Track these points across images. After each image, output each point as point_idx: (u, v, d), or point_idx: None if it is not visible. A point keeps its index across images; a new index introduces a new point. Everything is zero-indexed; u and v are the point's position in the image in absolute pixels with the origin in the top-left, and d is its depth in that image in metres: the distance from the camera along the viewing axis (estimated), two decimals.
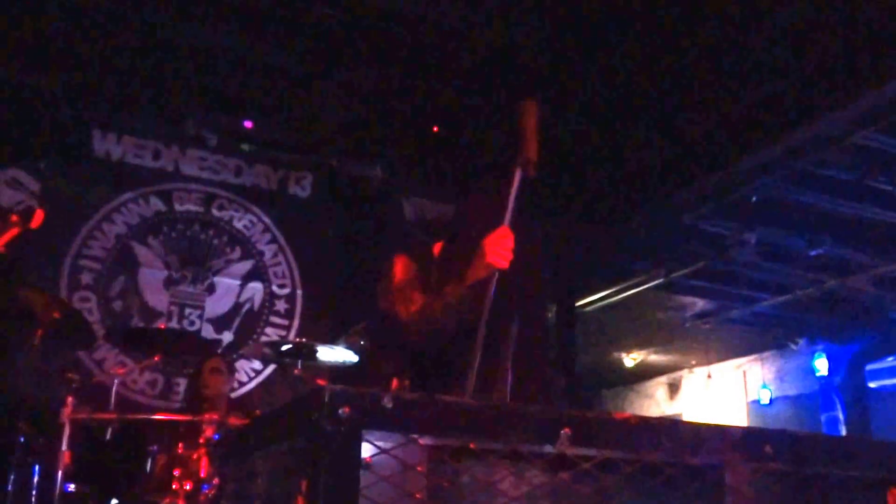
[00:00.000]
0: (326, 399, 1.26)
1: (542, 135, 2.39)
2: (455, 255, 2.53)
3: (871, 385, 10.25)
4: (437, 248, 2.73)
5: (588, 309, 9.25)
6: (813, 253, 7.43)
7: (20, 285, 4.42)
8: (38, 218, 2.88)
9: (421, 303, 2.52)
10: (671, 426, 1.43)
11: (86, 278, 5.90)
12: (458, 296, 2.42)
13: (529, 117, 2.42)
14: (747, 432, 1.48)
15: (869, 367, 10.18)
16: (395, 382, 2.58)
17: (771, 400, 11.29)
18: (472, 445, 1.33)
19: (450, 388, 2.32)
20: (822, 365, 10.29)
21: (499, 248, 2.35)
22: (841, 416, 10.08)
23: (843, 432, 9.79)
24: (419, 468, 1.31)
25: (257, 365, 6.16)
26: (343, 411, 1.25)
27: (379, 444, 1.28)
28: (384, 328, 2.76)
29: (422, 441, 1.31)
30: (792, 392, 11.12)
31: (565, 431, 1.34)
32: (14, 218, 2.81)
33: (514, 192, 2.38)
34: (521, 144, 2.39)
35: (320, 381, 4.75)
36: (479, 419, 1.34)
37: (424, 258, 2.69)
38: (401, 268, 2.66)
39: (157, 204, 6.26)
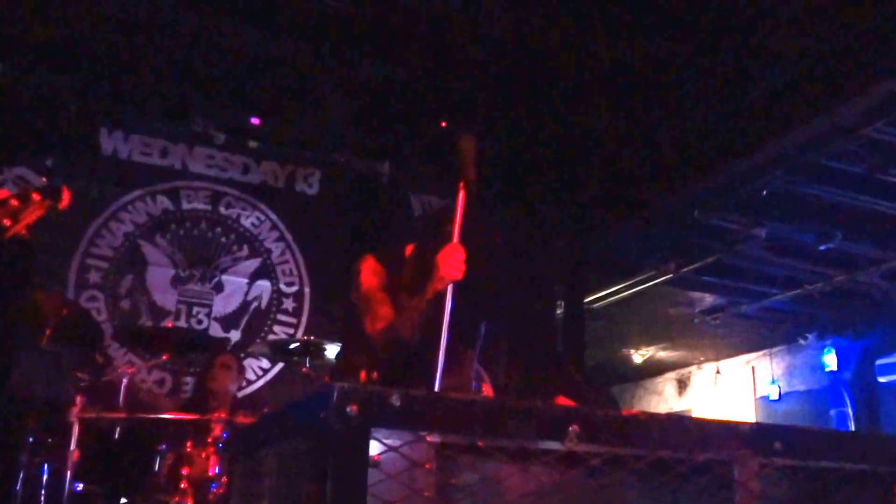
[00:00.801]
0: (335, 397, 1.26)
1: (478, 161, 2.73)
2: (417, 269, 2.78)
3: (881, 380, 10.20)
4: (408, 249, 2.96)
5: (597, 305, 9.23)
6: (823, 247, 7.39)
7: (33, 289, 4.43)
8: (66, 197, 2.81)
9: (385, 321, 2.75)
10: (679, 422, 1.42)
11: (94, 277, 5.91)
12: (421, 310, 2.66)
13: (467, 148, 2.74)
14: (756, 428, 1.48)
15: (879, 362, 10.13)
16: (363, 375, 2.83)
17: (780, 395, 11.24)
18: (479, 443, 1.33)
19: (415, 383, 2.52)
20: (831, 360, 10.24)
21: (451, 262, 2.60)
22: (850, 412, 10.04)
23: (853, 428, 9.75)
24: (427, 466, 1.31)
25: (265, 363, 6.17)
26: (351, 409, 1.26)
27: (387, 441, 1.28)
28: (353, 324, 2.99)
29: (430, 439, 1.31)
30: (801, 387, 11.08)
31: (573, 428, 1.34)
32: (37, 196, 2.72)
33: (460, 210, 2.66)
34: (462, 170, 2.70)
35: (328, 380, 4.76)
36: (486, 416, 1.34)
37: (393, 258, 2.92)
38: (367, 273, 2.88)
39: (164, 202, 6.27)
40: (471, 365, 2.87)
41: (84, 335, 4.58)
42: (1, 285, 4.90)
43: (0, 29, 5.38)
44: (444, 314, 2.54)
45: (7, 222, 2.66)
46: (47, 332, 4.04)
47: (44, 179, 2.72)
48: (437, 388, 2.45)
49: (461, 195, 2.68)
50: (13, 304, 4.81)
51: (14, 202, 2.67)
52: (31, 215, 2.71)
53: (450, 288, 2.58)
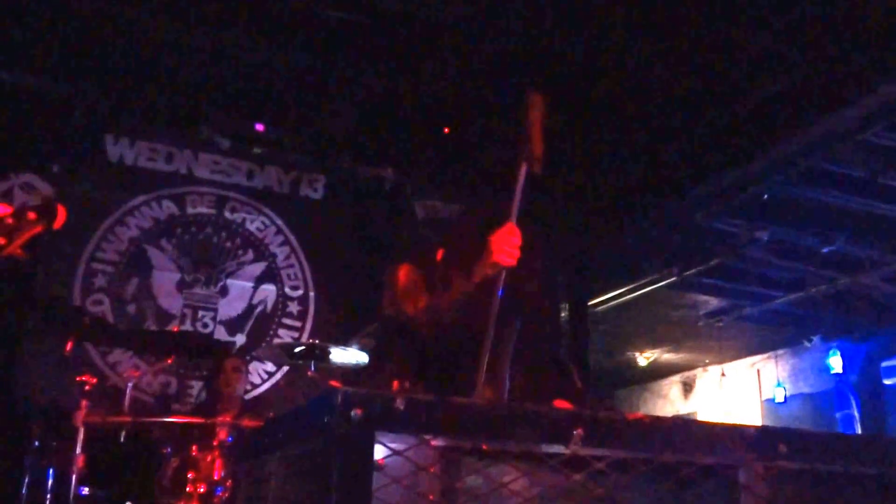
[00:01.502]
0: (339, 401, 1.26)
1: (547, 130, 2.33)
2: (462, 254, 2.50)
3: (887, 382, 10.17)
4: (439, 253, 2.73)
5: (601, 308, 9.23)
6: (825, 250, 7.39)
7: (54, 298, 4.44)
8: (61, 216, 2.76)
9: (428, 300, 2.53)
10: (685, 426, 1.42)
11: (99, 281, 5.93)
12: (466, 293, 2.40)
13: (535, 111, 2.35)
14: (762, 431, 1.47)
15: (884, 364, 10.11)
16: (395, 384, 2.58)
17: (785, 398, 11.22)
18: (484, 447, 1.33)
19: (455, 389, 2.31)
20: (836, 362, 10.22)
21: (505, 246, 2.31)
22: (856, 414, 10.02)
23: (859, 430, 9.73)
24: (432, 469, 1.31)
25: (270, 367, 6.18)
26: (355, 413, 1.26)
27: (392, 445, 1.29)
28: (386, 331, 2.82)
29: (434, 442, 1.31)
30: (806, 390, 11.05)
31: (578, 432, 1.34)
32: (32, 216, 2.68)
33: (520, 188, 2.34)
34: (526, 139, 2.33)
35: (333, 383, 4.76)
36: (491, 420, 1.34)
37: (427, 263, 2.69)
38: (404, 275, 2.66)
39: (170, 207, 6.29)
40: (503, 377, 2.60)
41: (102, 341, 4.60)
42: (2, 299, 4.92)
43: (7, 36, 5.40)
44: (494, 304, 2.25)
45: (2, 241, 2.57)
46: (70, 340, 4.05)
47: (46, 193, 2.66)
48: (478, 386, 2.23)
49: (522, 171, 2.33)
50: (37, 313, 4.83)
51: (9, 221, 2.58)
52: (26, 234, 2.63)
53: (502, 276, 2.29)
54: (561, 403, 3.82)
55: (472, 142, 2.87)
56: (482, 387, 2.26)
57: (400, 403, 1.29)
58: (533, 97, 2.36)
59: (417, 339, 2.60)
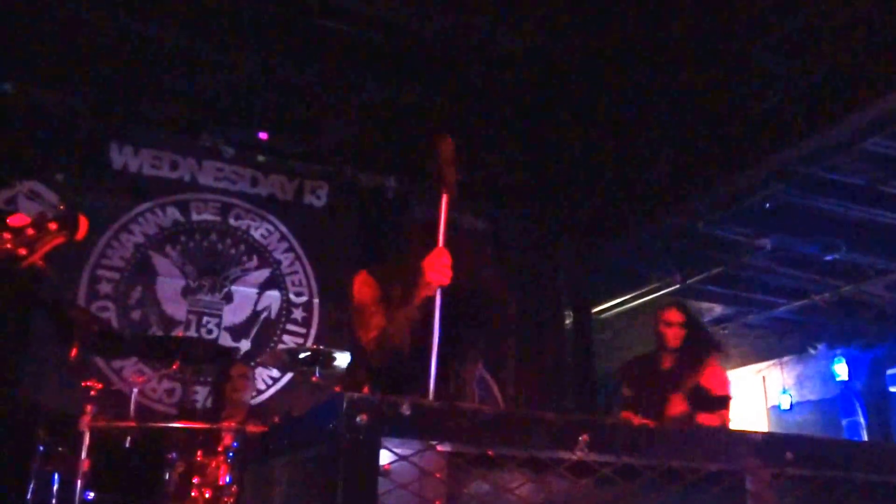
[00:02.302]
0: (345, 407, 1.26)
1: (458, 163, 2.65)
2: (406, 280, 2.72)
3: (892, 389, 10.15)
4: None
5: (605, 315, 9.22)
6: (828, 258, 7.39)
7: (63, 304, 4.45)
8: (83, 227, 2.74)
9: (378, 330, 2.73)
10: (691, 432, 1.42)
11: (104, 288, 5.94)
12: (410, 317, 2.62)
13: (445, 150, 2.66)
14: (768, 438, 1.47)
15: (889, 371, 10.08)
16: (365, 389, 2.76)
17: (791, 405, 11.19)
18: (490, 452, 1.33)
19: (408, 393, 2.44)
20: (841, 370, 10.20)
21: (437, 267, 2.55)
22: (862, 421, 9.99)
23: (865, 437, 9.70)
24: (438, 475, 1.31)
25: (275, 373, 6.18)
26: (361, 419, 1.26)
27: (397, 451, 1.29)
28: (354, 339, 2.94)
29: (440, 448, 1.31)
30: (812, 397, 11.02)
31: (584, 438, 1.34)
32: (53, 226, 2.66)
33: (444, 214, 2.60)
34: (441, 173, 2.63)
35: (338, 389, 4.76)
36: (497, 426, 1.34)
37: (389, 274, 2.87)
38: (359, 286, 2.88)
39: (174, 214, 6.30)
40: (471, 373, 2.83)
41: (108, 348, 4.61)
42: (9, 304, 4.92)
43: (13, 46, 5.44)
44: (434, 321, 2.49)
45: (23, 251, 2.59)
46: (76, 346, 4.05)
47: (61, 207, 2.64)
48: (430, 398, 2.40)
49: (444, 199, 2.61)
50: (44, 319, 4.84)
51: (30, 231, 2.60)
52: (47, 245, 2.64)
53: (438, 294, 2.53)
54: (705, 419, 4.08)
55: (474, 151, 2.96)
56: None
57: (406, 409, 1.29)
58: (442, 142, 2.67)
59: (373, 366, 2.80)
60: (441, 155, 2.65)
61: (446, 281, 2.54)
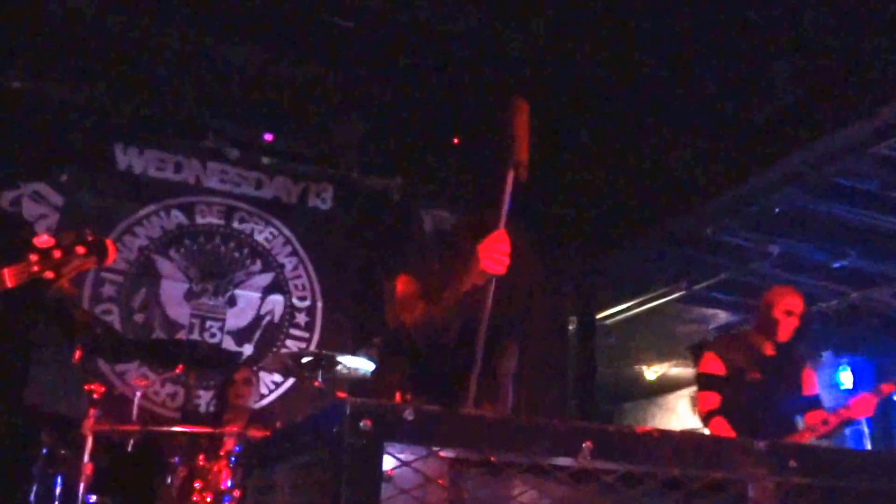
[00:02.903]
0: (348, 412, 1.26)
1: (532, 136, 2.33)
2: (457, 262, 2.50)
3: None
4: (436, 263, 2.75)
5: (609, 322, 9.21)
6: (836, 265, 7.36)
7: (69, 306, 4.46)
8: (112, 253, 2.70)
9: (423, 309, 2.53)
10: (694, 440, 1.42)
11: (108, 290, 5.95)
12: (455, 301, 2.38)
13: (520, 117, 2.35)
14: (771, 446, 1.46)
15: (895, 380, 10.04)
16: (398, 395, 2.58)
17: None
18: (492, 458, 1.33)
19: (450, 399, 2.32)
20: (846, 378, 10.16)
21: (493, 253, 2.28)
22: (866, 430, 9.94)
23: (869, 446, 9.66)
24: (440, 481, 1.30)
25: (277, 377, 6.18)
26: (364, 424, 1.26)
27: (400, 456, 1.28)
28: (390, 343, 2.79)
29: (443, 454, 1.31)
30: None
31: (587, 445, 1.33)
32: (81, 250, 2.60)
33: (507, 195, 2.31)
34: (511, 146, 2.32)
35: (340, 394, 4.76)
36: (500, 432, 1.33)
37: (425, 273, 2.71)
38: (402, 285, 2.68)
39: (178, 217, 6.31)
40: (506, 370, 2.66)
41: (111, 351, 4.62)
42: (15, 310, 4.94)
43: (18, 46, 5.45)
44: (484, 313, 2.23)
45: (50, 275, 2.57)
46: (80, 349, 4.06)
47: (88, 234, 2.57)
48: (471, 396, 2.22)
49: (509, 178, 2.30)
50: (48, 321, 4.85)
51: (56, 254, 2.57)
52: (75, 269, 2.62)
53: (492, 285, 2.26)
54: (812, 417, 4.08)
55: (478, 152, 2.88)
56: (472, 400, 2.25)
57: (409, 415, 1.29)
58: (518, 104, 2.36)
59: (416, 351, 2.59)
60: (515, 123, 2.34)
61: (502, 269, 2.27)
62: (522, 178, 2.32)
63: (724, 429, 4.11)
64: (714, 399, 4.20)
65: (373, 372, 4.66)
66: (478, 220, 2.58)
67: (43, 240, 2.62)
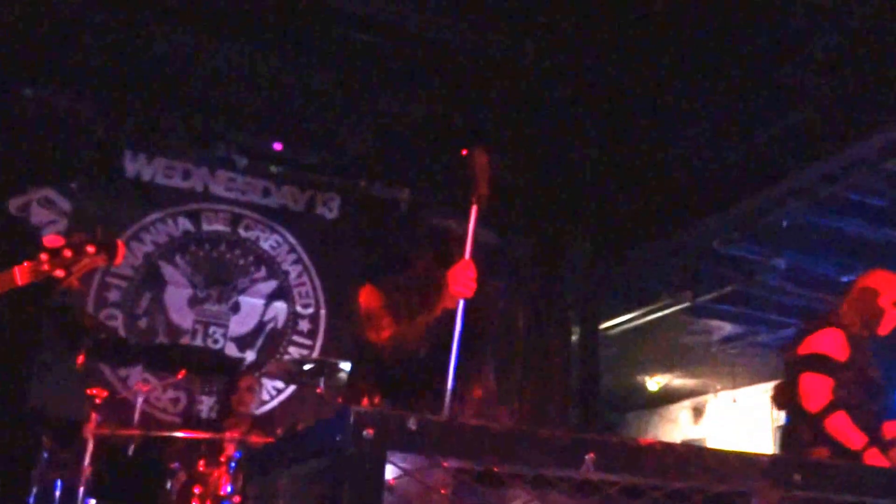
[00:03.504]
0: (351, 420, 1.26)
1: (492, 173, 2.65)
2: (424, 287, 2.75)
3: None
4: (406, 272, 2.95)
5: (612, 332, 9.19)
6: (844, 279, 7.33)
7: (73, 311, 4.48)
8: (122, 252, 2.76)
9: (391, 330, 2.74)
10: (698, 452, 1.41)
11: (113, 295, 5.96)
12: (428, 325, 2.63)
13: (480, 162, 2.66)
14: (776, 459, 1.46)
15: None
16: (365, 401, 2.77)
17: None
18: (495, 469, 1.32)
19: (419, 407, 2.51)
20: None
21: (461, 279, 2.53)
22: None
23: None
24: (443, 491, 1.30)
25: (279, 383, 6.18)
26: (367, 433, 1.26)
27: (403, 466, 1.28)
28: (359, 351, 3.00)
29: (445, 464, 1.30)
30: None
31: (590, 456, 1.33)
32: (92, 249, 2.67)
33: (472, 227, 2.58)
34: (474, 184, 2.61)
35: (341, 401, 4.75)
36: (503, 443, 1.33)
37: (392, 286, 2.89)
38: (364, 297, 2.88)
39: (185, 224, 6.33)
40: (470, 394, 2.79)
41: (115, 355, 4.63)
42: (20, 313, 4.96)
43: (29, 53, 5.49)
44: (455, 334, 2.48)
45: (60, 273, 2.63)
46: (83, 353, 4.07)
47: (99, 236, 2.65)
48: (446, 413, 2.40)
49: (473, 211, 2.59)
50: (51, 324, 4.87)
51: (67, 252, 2.64)
52: (85, 267, 2.68)
53: (461, 306, 2.51)
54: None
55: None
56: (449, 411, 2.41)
57: (412, 424, 1.29)
58: (477, 153, 2.67)
59: (381, 365, 2.80)
60: (475, 167, 2.65)
61: (470, 294, 2.53)
62: (483, 209, 2.63)
63: (850, 427, 3.42)
64: (829, 385, 3.47)
65: (347, 379, 4.70)
66: (444, 250, 2.82)
67: (53, 239, 2.67)
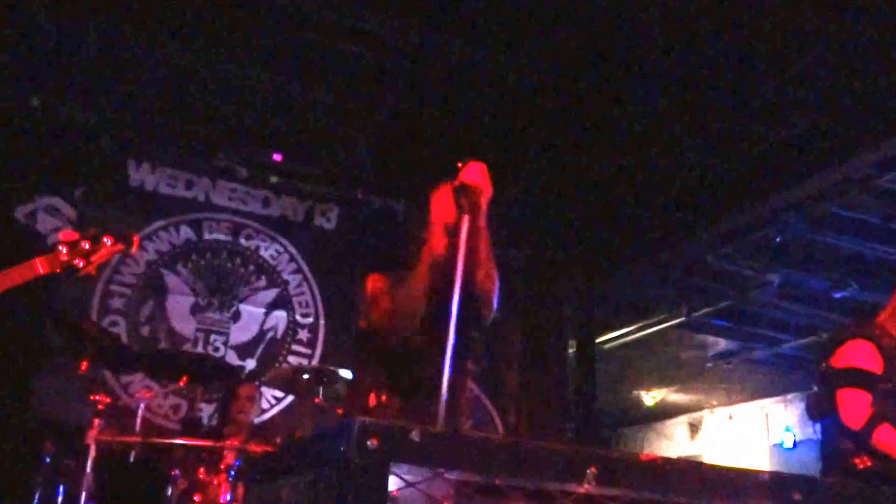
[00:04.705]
0: (355, 431, 1.27)
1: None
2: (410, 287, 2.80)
3: None
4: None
5: (608, 346, 9.20)
6: (837, 295, 7.36)
7: (74, 316, 4.52)
8: (136, 243, 2.91)
9: (389, 298, 2.83)
10: (698, 468, 1.43)
11: (116, 303, 5.97)
12: (432, 268, 2.74)
13: (474, 173, 2.77)
14: (776, 477, 1.47)
15: None
16: (372, 398, 2.78)
17: (795, 443, 11.10)
18: (497, 482, 1.34)
19: (422, 399, 2.55)
20: None
21: (475, 171, 2.73)
22: None
23: None
24: (445, 503, 1.32)
25: (278, 393, 6.18)
26: (371, 443, 1.27)
27: (406, 477, 1.30)
28: (362, 347, 3.03)
29: (448, 476, 1.32)
30: (816, 436, 10.91)
31: (591, 470, 1.34)
32: (108, 239, 2.81)
33: (465, 236, 2.66)
34: (465, 199, 2.73)
35: (340, 411, 4.75)
36: (505, 456, 1.35)
37: (397, 277, 2.94)
38: (370, 283, 2.97)
39: (187, 232, 6.35)
40: (462, 385, 2.81)
41: (117, 362, 4.64)
42: (24, 319, 4.98)
43: (35, 64, 5.53)
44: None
45: (80, 262, 2.78)
46: (87, 360, 4.08)
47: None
48: (444, 393, 2.40)
49: (465, 221, 2.69)
50: (55, 330, 4.89)
51: (84, 244, 2.79)
52: (103, 257, 2.84)
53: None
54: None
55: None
56: (444, 409, 2.39)
57: (416, 435, 1.30)
58: (469, 164, 2.80)
59: (386, 352, 2.83)
60: (469, 178, 2.75)
61: (482, 184, 2.69)
62: (476, 219, 2.74)
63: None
64: (868, 400, 3.33)
65: (349, 380, 4.69)
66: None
67: (69, 233, 2.82)
